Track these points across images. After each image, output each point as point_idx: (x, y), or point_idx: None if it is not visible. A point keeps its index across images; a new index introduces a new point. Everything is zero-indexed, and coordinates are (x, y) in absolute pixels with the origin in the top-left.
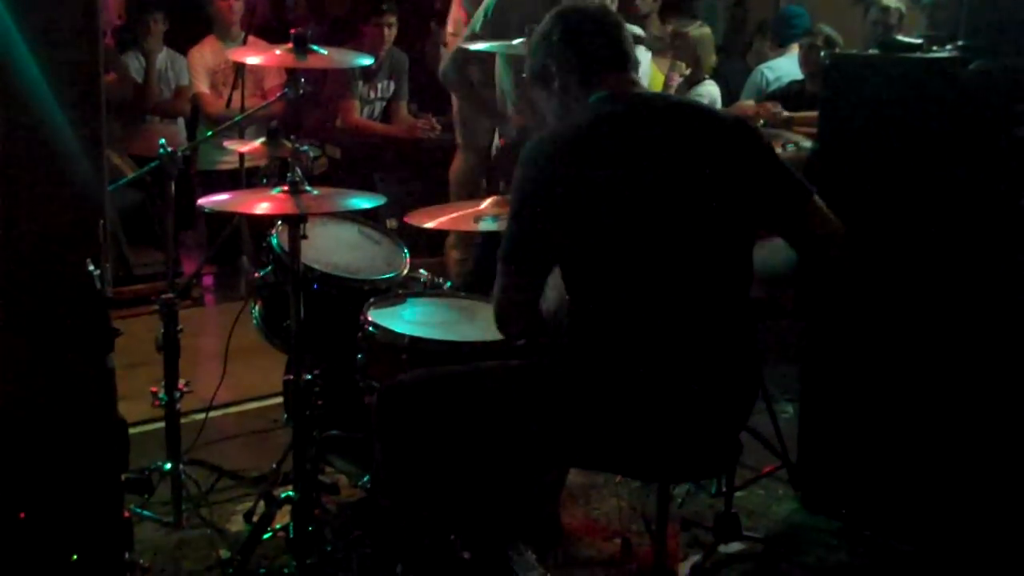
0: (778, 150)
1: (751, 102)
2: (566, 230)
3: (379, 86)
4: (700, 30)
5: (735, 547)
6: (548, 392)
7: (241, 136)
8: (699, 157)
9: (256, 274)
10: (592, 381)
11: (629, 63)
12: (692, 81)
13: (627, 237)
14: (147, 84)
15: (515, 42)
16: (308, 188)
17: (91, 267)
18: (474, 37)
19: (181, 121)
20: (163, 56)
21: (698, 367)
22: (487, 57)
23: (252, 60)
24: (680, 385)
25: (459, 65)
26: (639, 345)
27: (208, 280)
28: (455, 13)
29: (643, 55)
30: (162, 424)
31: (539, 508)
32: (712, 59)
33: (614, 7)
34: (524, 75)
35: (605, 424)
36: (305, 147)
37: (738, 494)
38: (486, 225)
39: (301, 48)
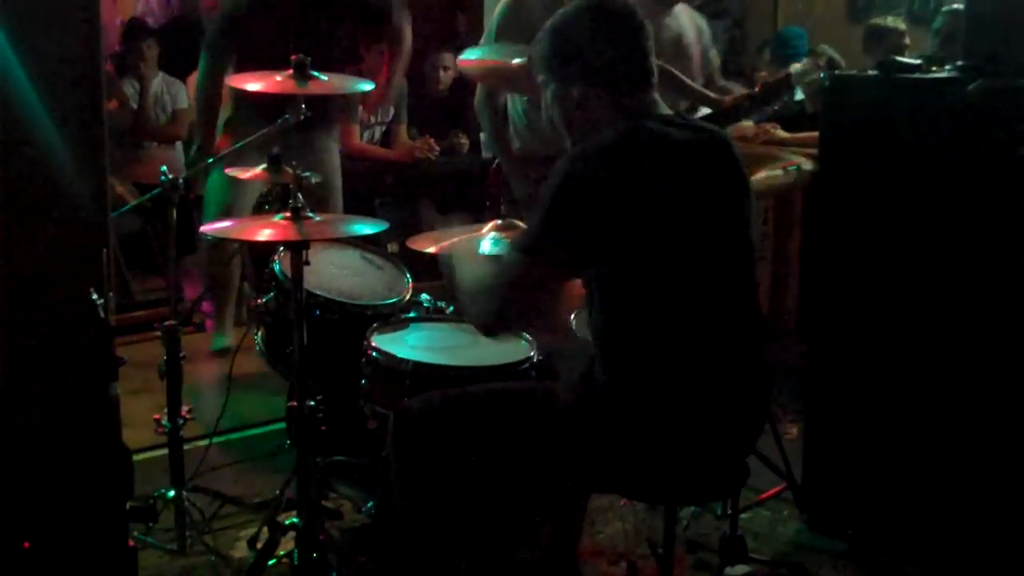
0: (778, 172)
1: (750, 123)
2: (603, 245)
3: (378, 111)
4: None
5: (741, 569)
6: (561, 412)
7: None
8: (721, 180)
9: (258, 300)
10: (606, 403)
11: (653, 79)
12: None
13: (657, 256)
14: (142, 110)
15: (514, 61)
16: (310, 214)
17: (94, 296)
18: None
19: (179, 146)
20: (158, 81)
21: (713, 391)
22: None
23: (252, 86)
24: (694, 408)
25: (487, 93)
26: (653, 367)
27: (210, 306)
28: None
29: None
30: (165, 451)
31: (557, 544)
32: None
33: None
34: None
35: (618, 445)
36: (306, 172)
37: (744, 516)
38: (488, 248)
39: (301, 74)
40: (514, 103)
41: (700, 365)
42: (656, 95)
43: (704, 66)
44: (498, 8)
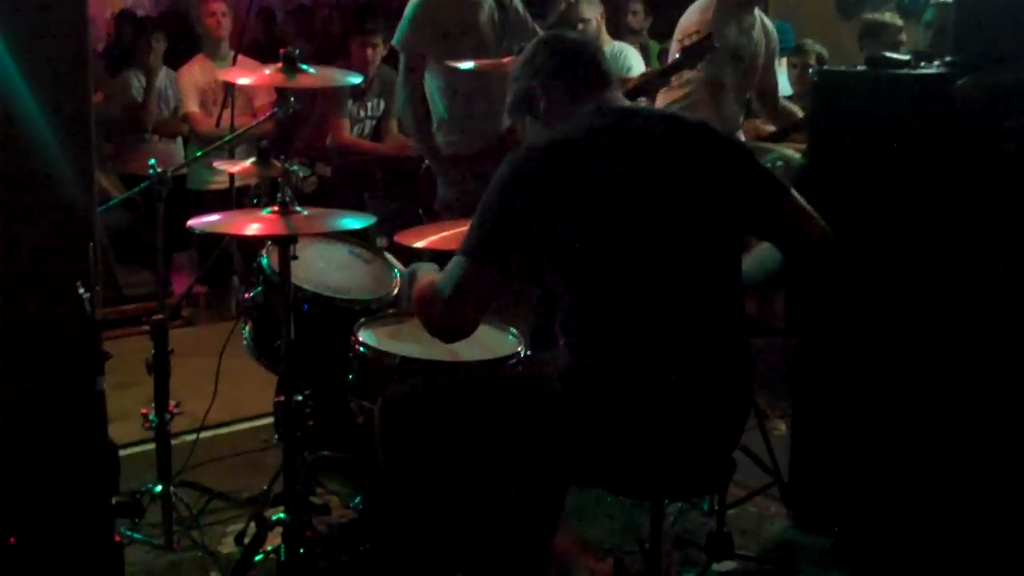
0: (767, 167)
1: (740, 120)
2: (555, 237)
3: (369, 105)
4: None
5: (728, 566)
6: (546, 404)
7: (231, 155)
8: (686, 167)
9: (246, 294)
10: (588, 395)
11: (612, 81)
12: None
13: (620, 247)
14: (146, 103)
15: (505, 60)
16: (298, 208)
17: (81, 290)
18: (403, 45)
19: (180, 140)
20: (163, 75)
21: (693, 382)
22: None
23: (242, 80)
24: (675, 401)
25: (409, 93)
26: (634, 358)
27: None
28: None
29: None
30: (153, 446)
31: (534, 537)
32: None
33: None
34: (511, 102)
35: (600, 439)
36: (295, 166)
37: (730, 512)
38: None
39: (291, 67)
40: (435, 101)
41: (670, 355)
42: (616, 92)
43: (764, 79)
44: (406, 14)
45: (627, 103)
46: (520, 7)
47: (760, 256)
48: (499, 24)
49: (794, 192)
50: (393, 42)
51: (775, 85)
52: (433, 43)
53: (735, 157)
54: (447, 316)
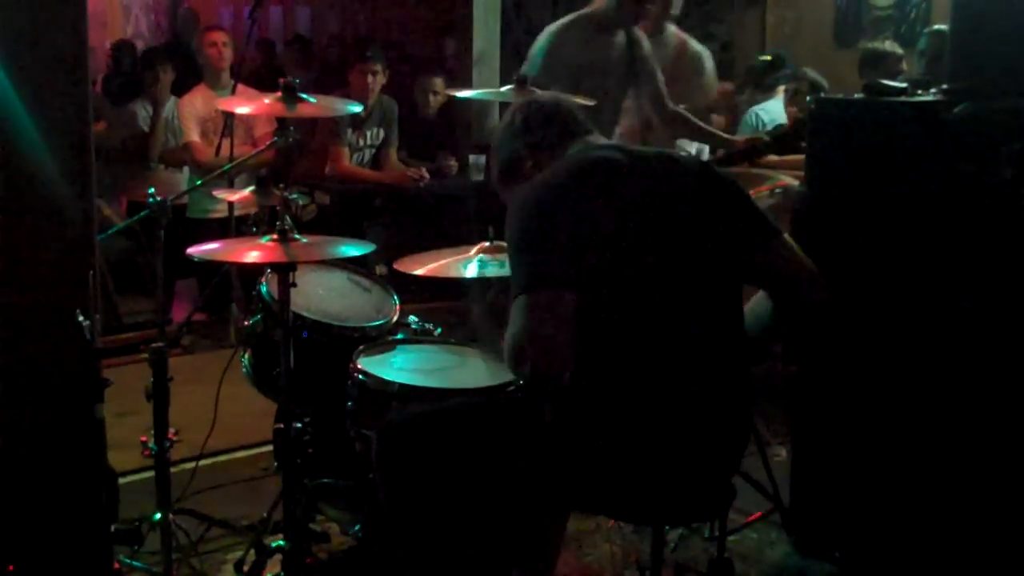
0: (765, 193)
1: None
2: (574, 262)
3: (368, 134)
4: None
5: None
6: (545, 431)
7: (231, 184)
8: (681, 201)
9: (246, 322)
10: (588, 421)
11: (592, 130)
12: None
13: (618, 275)
14: (153, 133)
15: (503, 89)
16: (297, 236)
17: (81, 318)
18: (534, 82)
19: (186, 169)
20: (170, 105)
21: (693, 408)
22: None
23: (241, 110)
24: (675, 426)
25: None
26: (634, 385)
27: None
28: None
29: None
30: (152, 473)
31: (534, 564)
32: None
33: None
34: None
35: (600, 465)
36: (294, 195)
37: (731, 538)
38: (475, 271)
39: (290, 96)
40: None
41: (669, 381)
42: (596, 136)
43: (645, 90)
44: (538, 45)
45: (604, 140)
46: (649, 48)
47: (754, 309)
48: (628, 63)
49: (786, 236)
50: (524, 71)
51: (659, 93)
52: (560, 78)
53: (729, 195)
54: (541, 357)
